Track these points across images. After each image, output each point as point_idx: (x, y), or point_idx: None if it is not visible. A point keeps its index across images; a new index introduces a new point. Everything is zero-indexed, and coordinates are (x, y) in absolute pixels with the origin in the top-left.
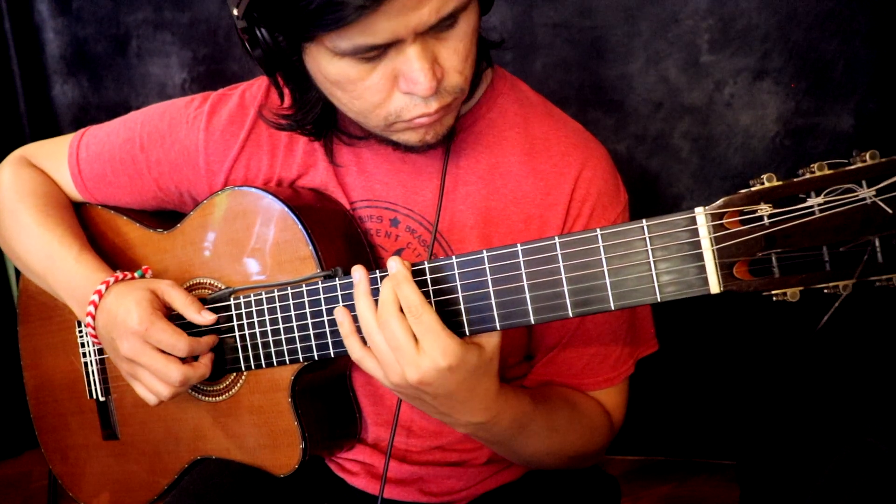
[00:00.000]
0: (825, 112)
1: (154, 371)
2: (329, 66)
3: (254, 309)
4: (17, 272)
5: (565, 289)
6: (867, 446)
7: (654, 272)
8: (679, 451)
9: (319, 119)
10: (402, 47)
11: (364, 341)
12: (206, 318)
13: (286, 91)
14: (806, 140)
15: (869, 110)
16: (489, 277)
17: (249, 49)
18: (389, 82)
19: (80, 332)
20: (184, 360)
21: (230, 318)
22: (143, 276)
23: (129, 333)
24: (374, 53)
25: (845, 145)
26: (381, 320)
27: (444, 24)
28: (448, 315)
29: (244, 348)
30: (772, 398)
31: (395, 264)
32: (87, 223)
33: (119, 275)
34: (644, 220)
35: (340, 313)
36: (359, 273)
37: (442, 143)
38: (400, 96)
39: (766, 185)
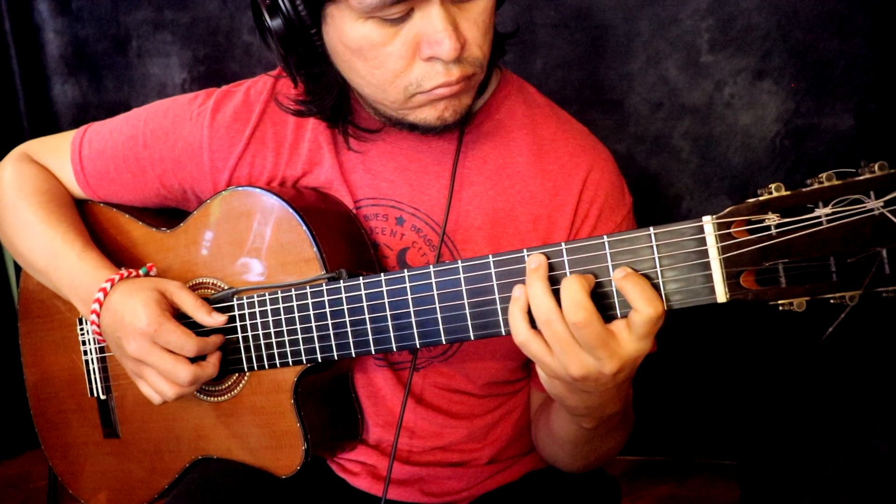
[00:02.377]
0: (825, 112)
1: (162, 371)
2: (352, 30)
3: (257, 310)
4: (17, 270)
5: None
6: (867, 447)
7: (660, 280)
8: (679, 451)
9: (335, 105)
10: (427, 10)
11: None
12: (216, 319)
13: (300, 83)
14: (806, 140)
15: (869, 110)
16: (495, 283)
17: (268, 20)
18: (411, 49)
19: (82, 329)
20: (192, 360)
21: (233, 319)
22: (147, 274)
23: (136, 334)
24: (399, 12)
25: (845, 145)
26: (583, 321)
27: None
28: (454, 319)
29: (247, 349)
30: (772, 398)
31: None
32: (89, 221)
33: (124, 272)
34: (651, 228)
35: (518, 289)
36: (536, 259)
37: (456, 127)
38: (421, 64)
39: (774, 194)
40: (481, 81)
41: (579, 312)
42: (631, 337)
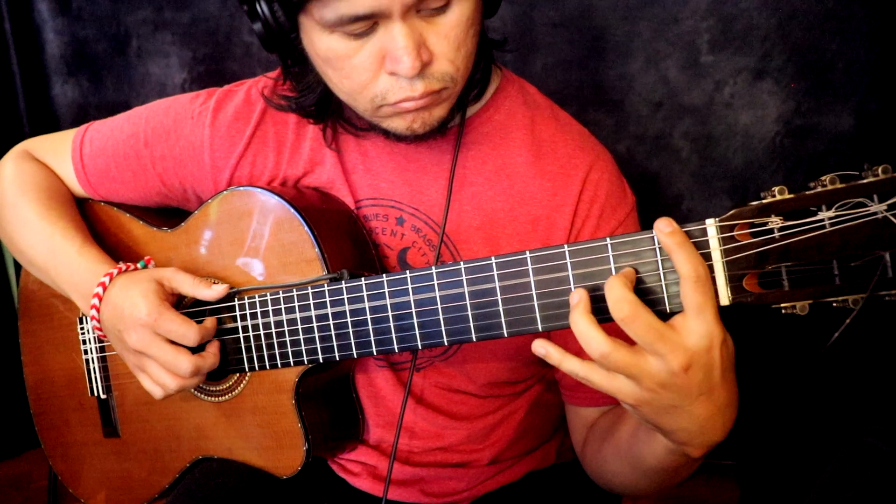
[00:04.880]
0: (825, 112)
1: (164, 362)
2: (319, 41)
3: (258, 310)
4: (17, 269)
5: None
6: (867, 446)
7: (663, 283)
8: None
9: (320, 103)
10: (390, 25)
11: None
12: (217, 290)
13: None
14: (806, 140)
15: (869, 110)
16: (497, 284)
17: (251, 22)
18: (377, 62)
19: (82, 328)
20: (193, 352)
21: (234, 319)
22: (145, 267)
23: (137, 325)
24: (361, 28)
25: (845, 145)
26: (629, 315)
27: (434, 8)
28: (457, 321)
29: (248, 349)
30: (772, 399)
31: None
32: (89, 220)
33: (122, 266)
34: (654, 230)
35: (541, 346)
36: (578, 294)
37: (435, 135)
38: (386, 77)
39: (777, 197)
40: (478, 83)
41: (623, 307)
42: (687, 319)
